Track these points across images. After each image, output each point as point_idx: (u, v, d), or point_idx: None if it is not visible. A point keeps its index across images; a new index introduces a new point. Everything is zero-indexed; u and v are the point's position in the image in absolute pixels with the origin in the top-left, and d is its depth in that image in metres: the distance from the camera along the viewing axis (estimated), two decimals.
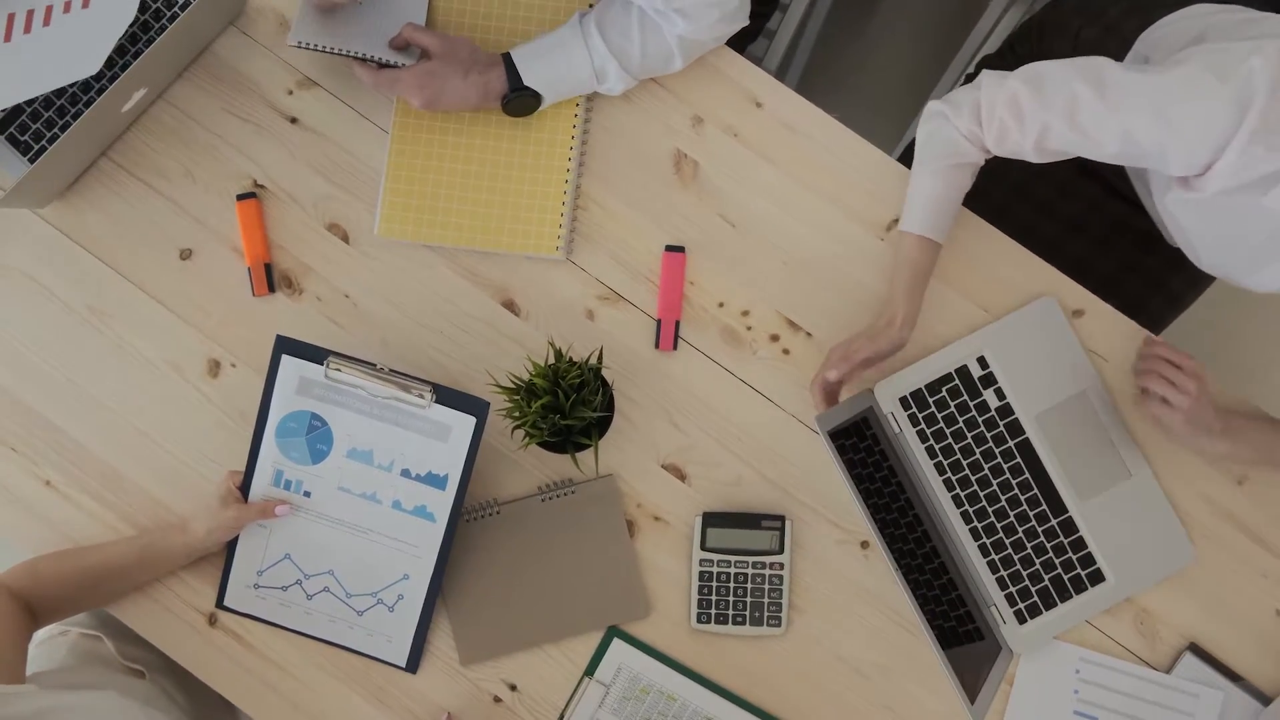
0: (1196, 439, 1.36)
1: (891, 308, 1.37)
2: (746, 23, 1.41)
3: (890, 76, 2.38)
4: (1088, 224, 1.61)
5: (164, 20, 1.46)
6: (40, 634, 1.41)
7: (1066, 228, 1.62)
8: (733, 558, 1.40)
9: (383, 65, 1.40)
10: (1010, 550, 1.41)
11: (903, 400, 1.42)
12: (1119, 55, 1.45)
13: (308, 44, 1.36)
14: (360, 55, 1.38)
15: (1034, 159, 1.31)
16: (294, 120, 1.48)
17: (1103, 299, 1.45)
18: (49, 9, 1.37)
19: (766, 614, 1.40)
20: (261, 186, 1.47)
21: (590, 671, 1.41)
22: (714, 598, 1.40)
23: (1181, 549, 1.41)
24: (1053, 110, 1.24)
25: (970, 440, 1.42)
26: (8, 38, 1.36)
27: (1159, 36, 1.40)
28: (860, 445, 1.42)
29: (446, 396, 1.31)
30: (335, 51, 1.37)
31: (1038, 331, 1.43)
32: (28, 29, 1.36)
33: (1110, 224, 1.60)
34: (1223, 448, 1.37)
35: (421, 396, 1.31)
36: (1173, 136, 1.19)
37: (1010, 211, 1.56)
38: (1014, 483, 1.41)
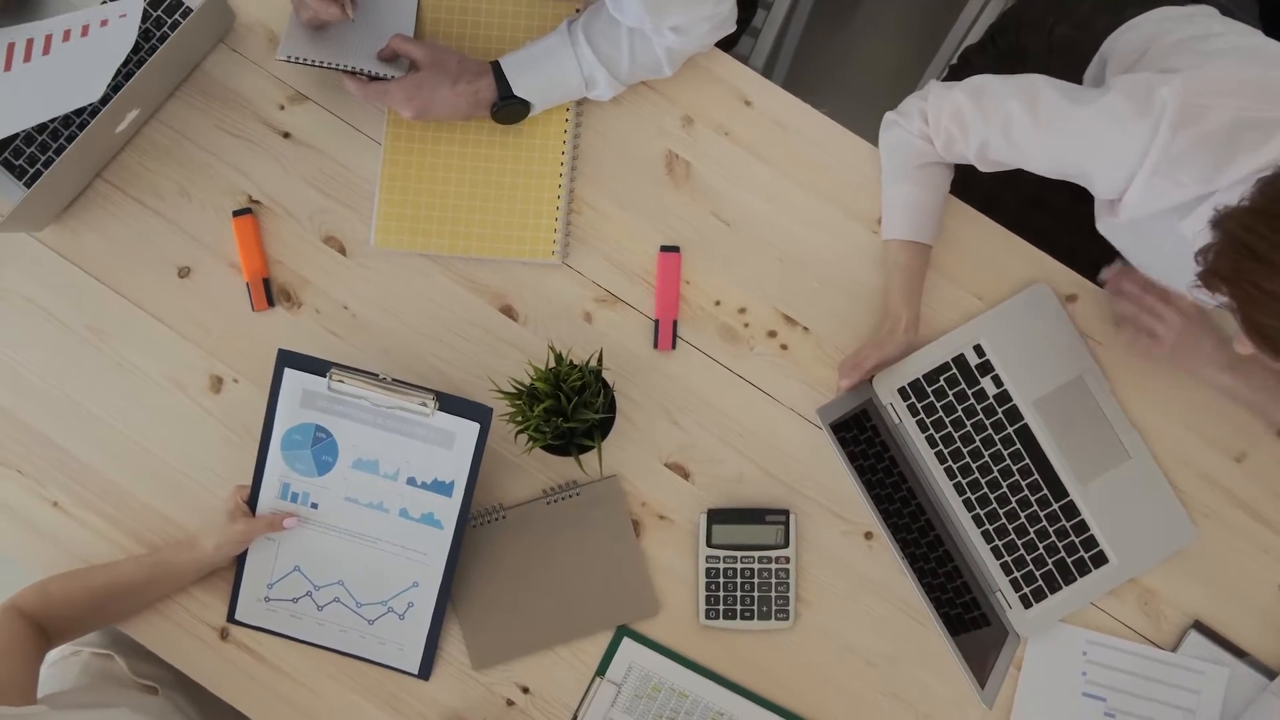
0: (1198, 371, 1.39)
1: (894, 314, 1.40)
2: (734, 28, 1.42)
3: (876, 70, 2.40)
4: (1075, 212, 1.62)
5: (154, 40, 1.47)
6: (52, 655, 1.42)
7: (1055, 217, 1.64)
8: (739, 553, 1.41)
9: (372, 78, 1.41)
10: (1013, 535, 1.42)
11: (901, 391, 1.43)
12: (1090, 53, 1.48)
13: (297, 58, 1.37)
14: (349, 68, 1.39)
15: (980, 168, 1.36)
16: (286, 135, 1.48)
17: (1094, 283, 1.46)
18: (48, 38, 1.38)
19: (774, 608, 1.42)
20: (257, 202, 1.47)
21: (601, 671, 1.41)
22: (721, 594, 1.42)
23: (1182, 528, 1.42)
24: (991, 126, 1.29)
25: (970, 428, 1.43)
26: (8, 67, 1.37)
27: (1121, 43, 1.43)
28: (861, 437, 1.43)
29: (449, 404, 1.32)
30: (324, 65, 1.38)
31: (1033, 318, 1.45)
32: (28, 58, 1.37)
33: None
34: (1226, 381, 1.38)
35: (425, 405, 1.32)
36: (1093, 163, 1.24)
37: (1000, 202, 1.57)
38: (1014, 468, 1.42)
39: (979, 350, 1.44)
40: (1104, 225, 1.35)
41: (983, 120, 1.30)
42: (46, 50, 1.39)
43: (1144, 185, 1.20)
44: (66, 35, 1.39)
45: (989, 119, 1.30)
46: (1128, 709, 1.40)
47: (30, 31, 1.41)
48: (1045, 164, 1.30)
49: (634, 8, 1.31)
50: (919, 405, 1.43)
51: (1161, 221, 1.24)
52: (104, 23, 1.39)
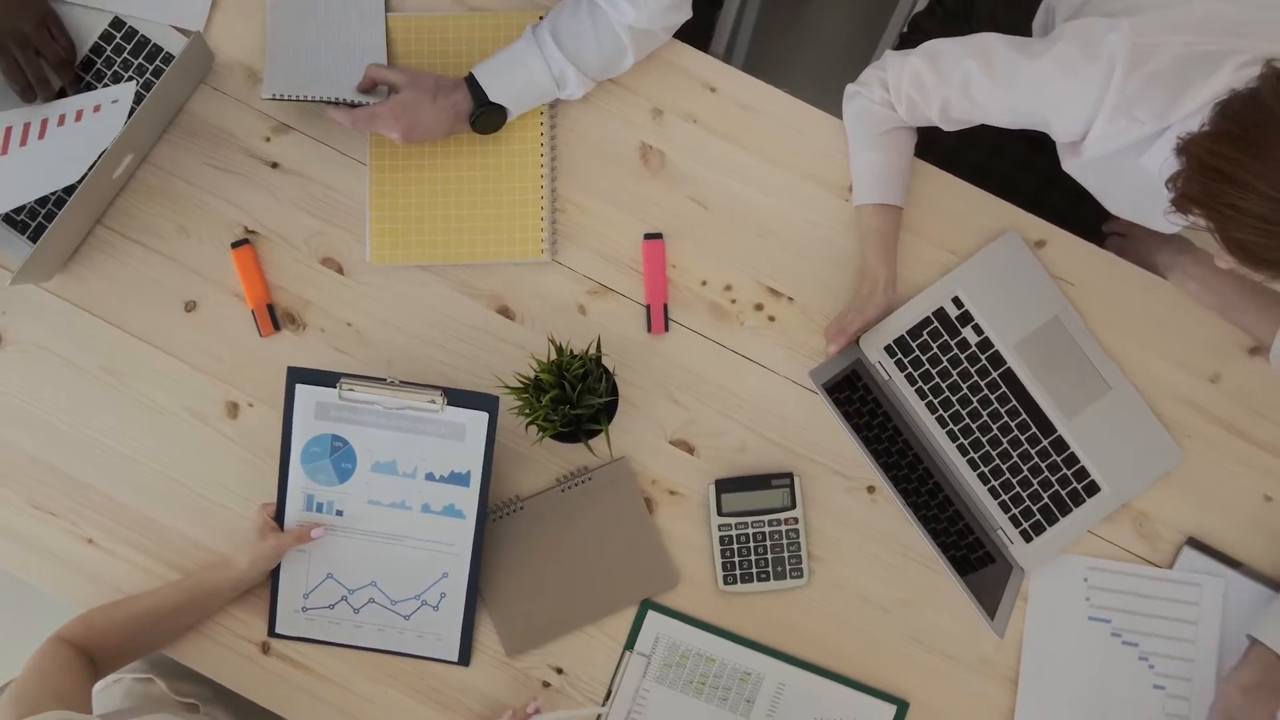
0: (1165, 274, 1.53)
1: (871, 275, 1.46)
2: (690, 15, 1.48)
3: (831, 47, 2.47)
4: (1036, 160, 1.70)
5: (138, 87, 1.53)
6: (95, 685, 1.46)
7: (1016, 165, 1.71)
8: (749, 519, 1.48)
9: (354, 106, 1.47)
10: (1008, 475, 1.48)
11: (888, 348, 1.50)
12: (1034, 3, 1.55)
13: (281, 95, 1.43)
14: (333, 99, 1.45)
15: (944, 127, 1.43)
16: (275, 165, 1.54)
17: (1059, 227, 1.53)
18: (44, 123, 1.43)
19: (788, 567, 1.48)
20: (253, 232, 1.53)
21: (630, 645, 1.47)
22: (737, 559, 1.48)
23: (1168, 451, 1.49)
24: (950, 86, 1.36)
25: (956, 377, 1.49)
26: (4, 150, 1.42)
27: None
28: (854, 396, 1.49)
29: (457, 398, 1.38)
30: (309, 99, 1.44)
31: (1005, 266, 1.51)
32: (24, 142, 1.42)
33: (1056, 156, 1.69)
34: (1190, 286, 1.49)
35: (433, 401, 1.38)
36: (1051, 111, 1.32)
37: (963, 157, 1.64)
38: (1002, 411, 1.49)
39: (957, 302, 1.50)
40: (1069, 165, 1.42)
41: (941, 82, 1.37)
42: (42, 135, 1.44)
43: (1104, 126, 1.27)
44: (62, 120, 1.44)
45: (947, 80, 1.36)
46: (1133, 628, 1.46)
47: (28, 115, 1.45)
48: (1006, 117, 1.37)
49: None
50: (906, 360, 1.50)
51: (1122, 157, 1.31)
52: (97, 108, 1.44)
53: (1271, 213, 1.05)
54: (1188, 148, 1.13)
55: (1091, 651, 1.46)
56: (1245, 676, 1.39)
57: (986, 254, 1.52)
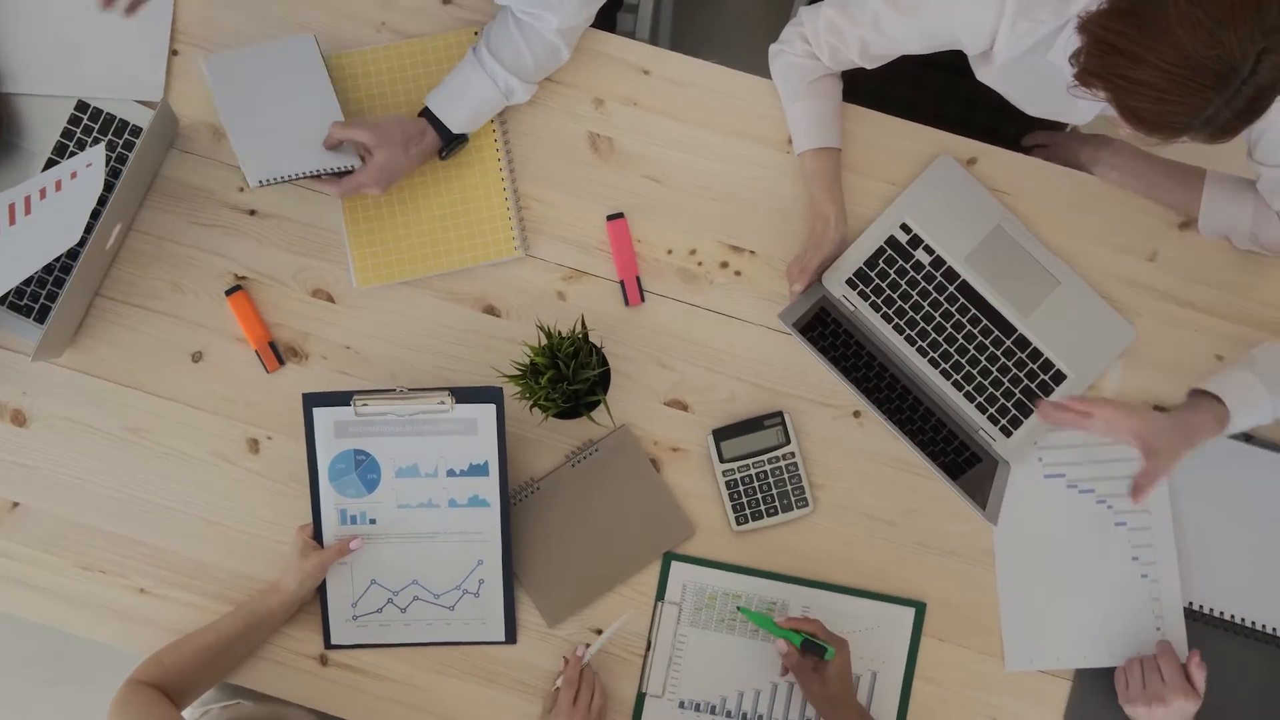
0: (1090, 169, 1.65)
1: (822, 215, 1.57)
2: None
3: (747, 11, 2.57)
4: (955, 86, 1.81)
5: (111, 161, 1.61)
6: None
7: (938, 94, 1.82)
8: (750, 460, 1.58)
9: (339, 174, 1.55)
10: (980, 379, 1.59)
11: (849, 281, 1.60)
12: None
13: (268, 180, 1.51)
14: (316, 172, 1.54)
15: (867, 66, 1.55)
16: (252, 212, 1.63)
17: (989, 145, 1.64)
18: (28, 199, 1.50)
19: (793, 499, 1.58)
20: (244, 278, 1.62)
21: (661, 596, 1.57)
22: (745, 500, 1.58)
23: (1121, 330, 1.60)
24: (863, 26, 1.49)
25: (916, 297, 1.60)
26: None
27: None
28: (826, 332, 1.60)
29: (464, 395, 1.48)
30: (293, 178, 1.52)
31: (944, 187, 1.62)
32: (12, 221, 1.49)
33: (974, 81, 1.80)
34: (1113, 176, 1.62)
35: (443, 402, 1.48)
36: (958, 28, 1.44)
37: (888, 94, 1.75)
38: (964, 321, 1.60)
39: (905, 228, 1.61)
40: (984, 75, 1.53)
41: (854, 25, 1.48)
42: (28, 211, 1.51)
43: (1008, 32, 1.39)
44: (43, 193, 1.51)
45: (859, 22, 1.48)
46: (1085, 476, 1.58)
47: (10, 197, 1.53)
48: (920, 44, 1.49)
49: None
50: (868, 290, 1.61)
51: (1032, 57, 1.43)
52: (74, 175, 1.51)
53: (1159, 80, 1.15)
54: (1086, 25, 1.22)
55: (1054, 507, 1.58)
56: (1180, 409, 1.51)
57: (925, 179, 1.62)
